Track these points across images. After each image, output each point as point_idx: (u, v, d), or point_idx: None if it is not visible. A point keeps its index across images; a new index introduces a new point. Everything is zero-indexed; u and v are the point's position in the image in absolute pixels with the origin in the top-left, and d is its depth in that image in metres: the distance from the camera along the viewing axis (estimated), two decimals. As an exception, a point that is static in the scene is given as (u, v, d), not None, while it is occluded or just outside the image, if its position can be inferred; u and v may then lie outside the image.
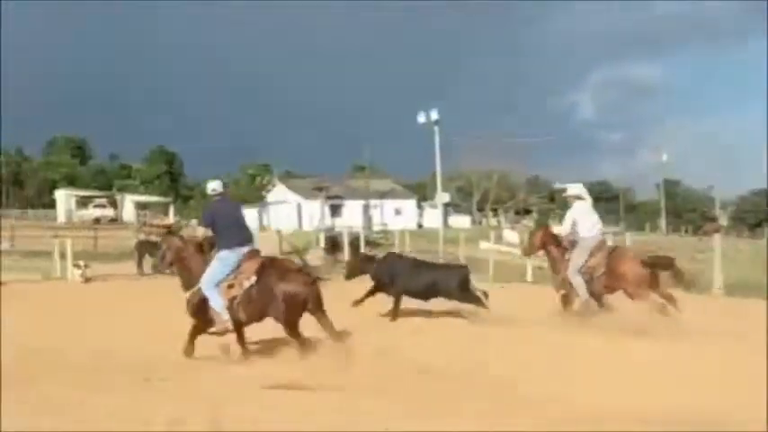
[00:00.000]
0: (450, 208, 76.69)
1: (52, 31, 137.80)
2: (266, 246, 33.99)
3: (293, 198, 74.49)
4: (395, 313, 13.92)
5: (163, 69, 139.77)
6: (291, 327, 9.65)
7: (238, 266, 9.81)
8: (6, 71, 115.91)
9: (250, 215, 76.26)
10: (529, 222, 71.64)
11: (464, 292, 14.00)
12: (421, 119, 54.32)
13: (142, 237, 33.47)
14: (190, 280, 10.01)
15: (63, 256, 27.41)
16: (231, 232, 9.97)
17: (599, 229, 12.58)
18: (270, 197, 79.72)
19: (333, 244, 39.17)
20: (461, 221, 75.24)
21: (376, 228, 63.71)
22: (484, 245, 42.75)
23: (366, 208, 72.66)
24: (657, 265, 12.29)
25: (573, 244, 12.41)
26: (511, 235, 52.35)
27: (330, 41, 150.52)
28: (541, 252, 13.19)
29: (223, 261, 9.82)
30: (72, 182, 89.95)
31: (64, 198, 78.87)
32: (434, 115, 53.37)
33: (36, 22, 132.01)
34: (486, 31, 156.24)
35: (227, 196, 10.55)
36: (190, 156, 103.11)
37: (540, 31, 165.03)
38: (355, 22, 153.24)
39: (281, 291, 9.61)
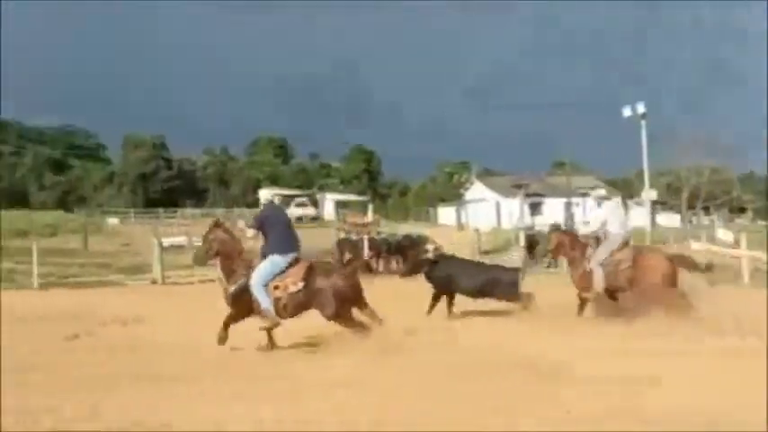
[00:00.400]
0: (657, 206, 74.24)
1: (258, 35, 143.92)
2: (464, 245, 34.38)
3: (492, 196, 74.54)
4: (449, 310, 14.87)
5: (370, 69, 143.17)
6: (341, 316, 10.83)
7: (285, 270, 10.89)
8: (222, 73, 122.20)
9: (447, 213, 77.37)
10: (744, 221, 68.11)
11: (513, 293, 14.64)
12: (626, 112, 53.02)
13: (342, 235, 34.76)
14: (232, 273, 11.02)
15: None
16: (283, 238, 11.09)
17: (627, 227, 13.80)
18: (468, 195, 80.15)
19: (532, 243, 38.91)
20: (670, 220, 72.71)
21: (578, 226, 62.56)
22: (695, 245, 41.09)
23: (567, 206, 71.55)
24: (681, 264, 13.36)
25: (598, 241, 13.53)
26: (725, 234, 50.07)
27: (534, 35, 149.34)
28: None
29: (274, 263, 10.89)
30: (275, 181, 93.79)
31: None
32: (641, 108, 51.96)
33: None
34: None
35: (276, 204, 11.89)
36: (386, 155, 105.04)
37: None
38: (555, 13, 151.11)
39: (329, 286, 10.82)
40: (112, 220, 69.49)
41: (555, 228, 15.06)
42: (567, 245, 13.94)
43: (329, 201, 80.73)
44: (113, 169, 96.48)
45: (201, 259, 11.41)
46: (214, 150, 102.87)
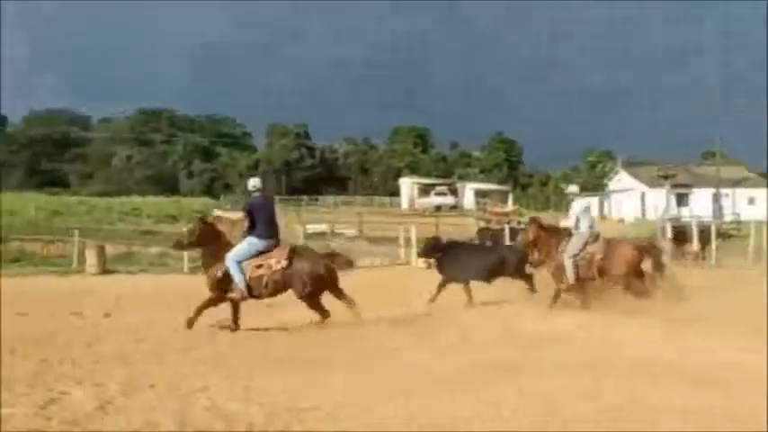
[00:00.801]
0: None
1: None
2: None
3: (637, 186, 72.76)
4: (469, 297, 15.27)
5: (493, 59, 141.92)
6: (313, 297, 11.97)
7: (267, 252, 11.98)
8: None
9: (591, 203, 75.73)
10: None
11: (520, 271, 15.58)
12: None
13: (482, 224, 34.81)
14: (211, 259, 12.14)
15: (408, 242, 29.12)
16: (264, 225, 12.14)
17: (595, 226, 14.81)
18: (612, 185, 78.51)
19: (679, 234, 37.89)
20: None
21: (727, 218, 60.43)
22: None
23: (716, 197, 69.12)
24: (647, 252, 14.65)
25: (570, 235, 14.44)
26: None
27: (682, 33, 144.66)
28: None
29: (251, 244, 11.99)
30: (414, 170, 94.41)
31: (407, 186, 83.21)
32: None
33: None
34: None
35: (265, 193, 12.74)
36: (529, 143, 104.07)
37: None
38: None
39: (308, 268, 11.92)
40: (257, 207, 71.35)
41: (533, 220, 15.79)
42: (543, 238, 14.67)
43: (469, 190, 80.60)
44: (258, 157, 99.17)
45: (180, 245, 13.34)
46: (355, 139, 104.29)
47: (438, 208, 70.53)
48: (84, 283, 23.42)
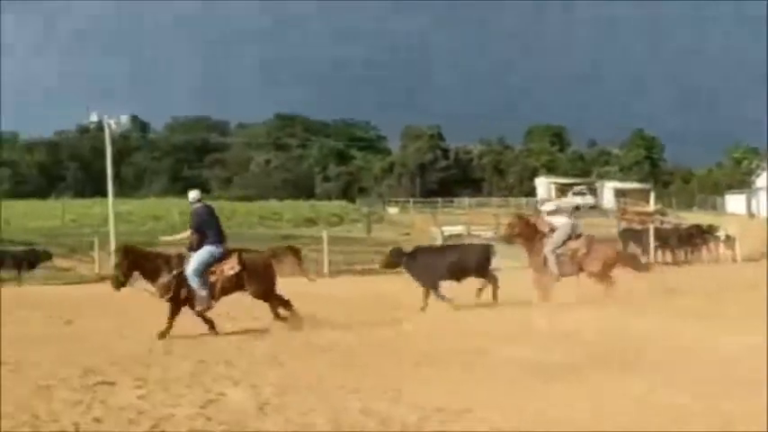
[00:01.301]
0: None
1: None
2: (755, 235, 32.49)
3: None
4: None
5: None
6: (269, 295, 12.70)
7: (220, 259, 12.48)
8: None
9: (736, 201, 73.24)
10: None
11: (482, 269, 15.90)
12: None
13: (624, 224, 34.04)
14: (153, 275, 12.45)
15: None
16: (216, 232, 12.68)
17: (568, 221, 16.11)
18: (759, 182, 75.56)
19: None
20: None
21: None
22: None
23: None
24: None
25: (553, 230, 15.66)
26: None
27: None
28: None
29: (210, 253, 12.43)
30: (551, 169, 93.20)
31: (544, 185, 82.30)
32: None
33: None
34: None
35: (203, 202, 13.14)
36: (670, 139, 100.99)
37: None
38: None
39: (261, 269, 12.71)
40: (392, 210, 72.17)
41: (518, 216, 17.13)
42: (525, 233, 15.88)
43: (608, 189, 79.01)
44: (393, 160, 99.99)
45: (118, 285, 12.71)
46: (490, 140, 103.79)
47: (576, 208, 69.33)
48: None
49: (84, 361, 9.62)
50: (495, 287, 15.60)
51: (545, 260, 15.48)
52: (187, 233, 12.84)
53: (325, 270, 27.66)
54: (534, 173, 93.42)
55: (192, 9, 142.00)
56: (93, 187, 75.21)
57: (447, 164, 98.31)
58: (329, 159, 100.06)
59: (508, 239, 16.54)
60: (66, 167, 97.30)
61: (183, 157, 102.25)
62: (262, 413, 6.90)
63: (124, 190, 63.31)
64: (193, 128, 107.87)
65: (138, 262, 12.62)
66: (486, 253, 16.33)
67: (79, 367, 9.14)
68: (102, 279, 26.54)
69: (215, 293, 12.42)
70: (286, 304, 12.69)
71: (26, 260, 29.97)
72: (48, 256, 30.86)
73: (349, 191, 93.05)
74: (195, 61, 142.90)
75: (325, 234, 30.17)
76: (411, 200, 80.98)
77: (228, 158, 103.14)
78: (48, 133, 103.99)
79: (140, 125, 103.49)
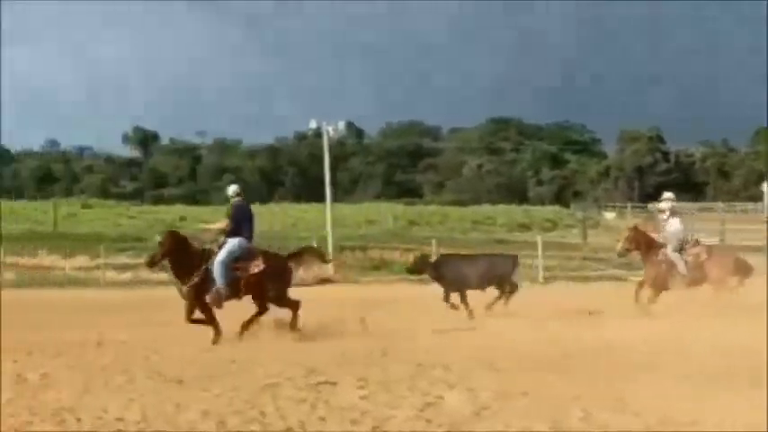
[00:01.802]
0: None
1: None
2: None
3: None
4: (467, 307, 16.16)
5: None
6: (283, 297, 13.12)
7: (247, 257, 12.94)
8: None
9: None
10: None
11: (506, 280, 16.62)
12: None
13: None
14: (188, 270, 12.75)
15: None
16: (249, 229, 13.27)
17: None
18: None
19: None
20: None
21: None
22: None
23: None
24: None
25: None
26: None
27: None
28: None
29: (241, 246, 12.96)
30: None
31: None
32: None
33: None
34: None
35: (244, 198, 13.78)
36: None
37: None
38: None
39: (281, 271, 13.20)
40: (609, 215, 70.51)
41: (635, 228, 17.32)
42: (643, 245, 16.35)
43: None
44: (609, 163, 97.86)
45: (152, 263, 13.23)
46: (713, 142, 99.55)
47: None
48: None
49: (306, 360, 10.05)
50: (511, 294, 16.45)
51: (667, 266, 15.92)
52: (224, 222, 13.32)
53: (540, 277, 27.42)
54: (761, 177, 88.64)
55: (410, 15, 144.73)
56: (309, 192, 78.29)
57: (667, 167, 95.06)
58: (542, 163, 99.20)
59: (624, 253, 16.95)
60: (285, 173, 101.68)
61: (396, 163, 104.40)
62: (479, 417, 6.97)
63: (340, 195, 65.34)
64: (406, 133, 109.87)
65: (178, 252, 12.99)
66: (512, 264, 17.23)
67: (302, 367, 9.56)
68: (321, 281, 27.67)
69: (240, 289, 12.85)
70: (295, 308, 13.08)
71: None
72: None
73: (563, 195, 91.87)
74: (409, 67, 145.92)
75: (539, 239, 29.95)
76: (629, 204, 78.82)
77: (441, 163, 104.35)
78: (268, 139, 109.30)
79: (356, 131, 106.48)
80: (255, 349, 11.48)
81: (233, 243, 12.99)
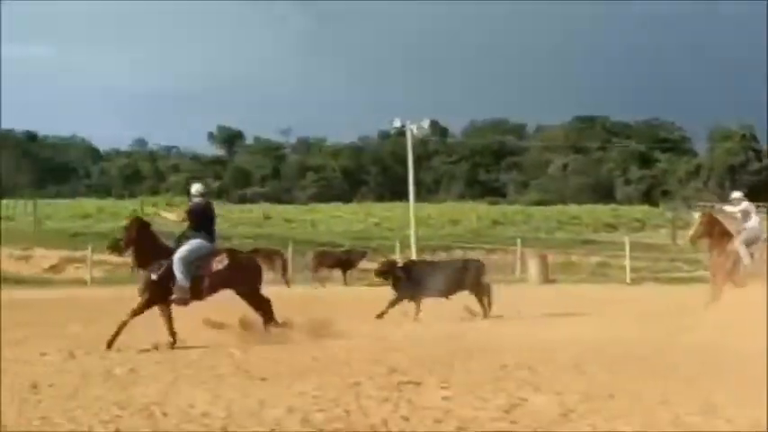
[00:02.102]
0: None
1: None
2: None
3: None
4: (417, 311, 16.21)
5: None
6: (257, 292, 12.86)
7: (207, 254, 12.68)
8: None
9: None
10: None
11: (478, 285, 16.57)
12: None
13: None
14: (149, 261, 12.48)
15: None
16: (210, 230, 13.05)
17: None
18: None
19: None
20: None
21: None
22: None
23: None
24: None
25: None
26: None
27: None
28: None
29: (201, 246, 12.70)
30: None
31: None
32: None
33: None
34: None
35: (207, 197, 13.70)
36: None
37: None
38: None
39: (247, 267, 12.97)
40: (699, 215, 69.02)
41: (710, 215, 17.52)
42: (716, 233, 16.38)
43: None
44: (699, 162, 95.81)
45: (117, 248, 12.89)
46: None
47: None
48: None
49: (387, 360, 10.09)
50: (490, 300, 16.35)
51: (734, 258, 15.97)
52: (182, 216, 13.22)
53: (627, 278, 26.99)
54: None
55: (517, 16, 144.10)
56: (392, 191, 78.57)
57: (760, 166, 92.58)
58: (630, 162, 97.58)
59: (696, 240, 16.87)
60: (368, 172, 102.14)
61: (480, 162, 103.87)
62: (566, 419, 6.90)
63: (423, 194, 65.41)
64: (490, 131, 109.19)
65: (142, 241, 12.65)
66: (478, 269, 16.96)
67: (384, 366, 9.60)
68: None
69: (202, 288, 12.57)
70: (267, 307, 12.76)
71: (347, 260, 32.07)
72: (363, 254, 32.72)
73: (651, 195, 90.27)
74: (495, 63, 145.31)
75: (627, 240, 29.47)
76: (719, 205, 76.94)
77: (525, 162, 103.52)
78: (352, 138, 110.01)
79: (439, 130, 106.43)
80: (337, 347, 11.58)
81: (193, 242, 12.76)
